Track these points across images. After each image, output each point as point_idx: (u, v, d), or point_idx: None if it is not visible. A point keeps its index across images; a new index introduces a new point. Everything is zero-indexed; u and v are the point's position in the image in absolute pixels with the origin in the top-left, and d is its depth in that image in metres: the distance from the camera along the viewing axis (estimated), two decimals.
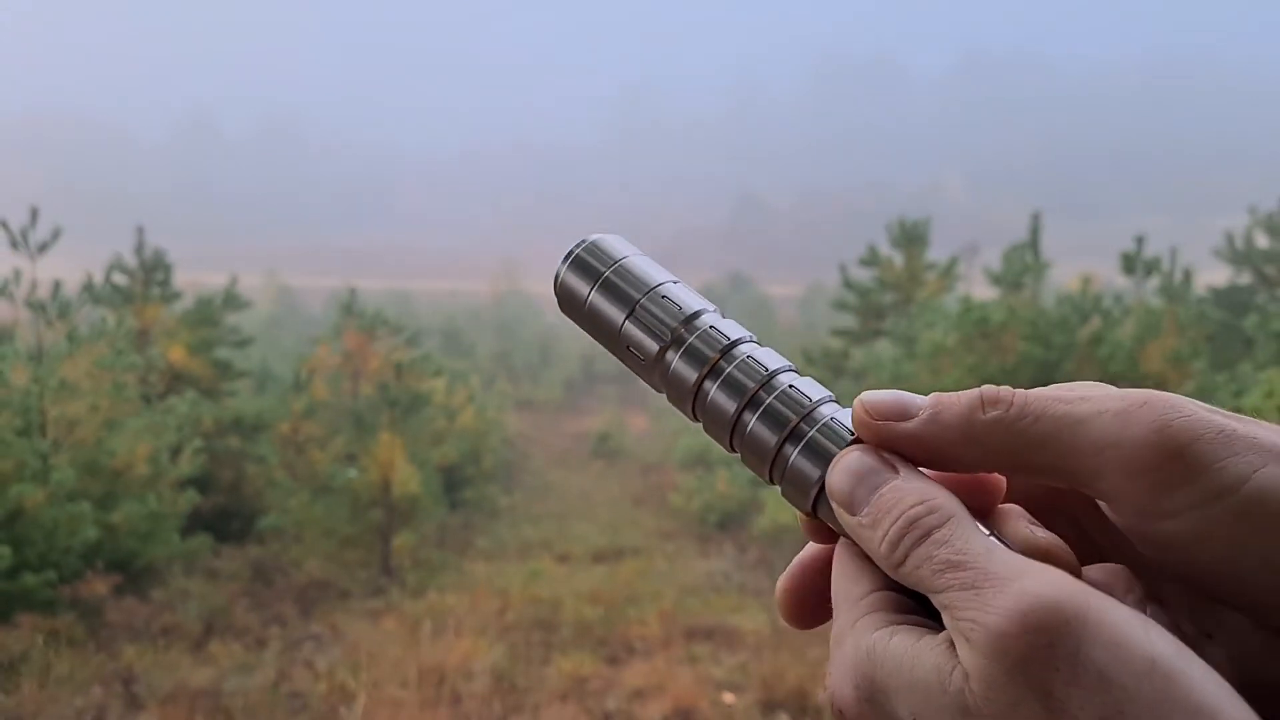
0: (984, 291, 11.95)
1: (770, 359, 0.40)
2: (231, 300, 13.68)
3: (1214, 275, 15.19)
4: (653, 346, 0.40)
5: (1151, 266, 10.77)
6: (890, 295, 14.19)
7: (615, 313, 0.41)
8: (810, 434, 0.39)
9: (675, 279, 0.42)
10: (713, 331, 0.40)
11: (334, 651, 9.01)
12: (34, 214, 10.84)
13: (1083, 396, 0.37)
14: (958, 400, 0.38)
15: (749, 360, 0.40)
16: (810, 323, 49.89)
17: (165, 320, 13.11)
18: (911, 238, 13.92)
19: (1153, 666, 0.31)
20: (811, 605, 0.42)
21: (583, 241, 0.43)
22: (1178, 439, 0.34)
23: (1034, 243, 11.11)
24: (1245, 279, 14.42)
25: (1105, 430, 0.35)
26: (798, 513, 0.42)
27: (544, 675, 8.31)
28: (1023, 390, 0.38)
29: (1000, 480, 0.40)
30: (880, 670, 0.35)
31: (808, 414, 0.39)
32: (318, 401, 13.22)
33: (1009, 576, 0.33)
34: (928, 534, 0.35)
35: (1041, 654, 0.31)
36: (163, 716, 7.24)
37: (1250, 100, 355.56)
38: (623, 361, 0.42)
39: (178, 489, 10.73)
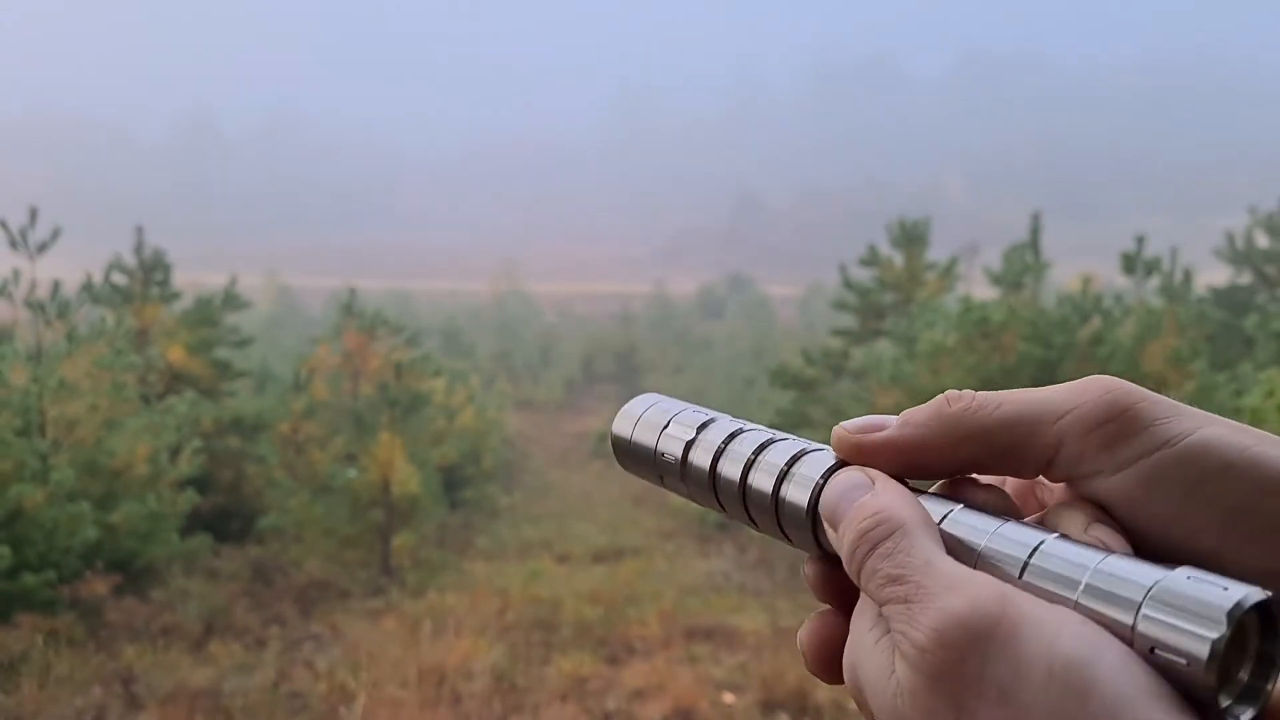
0: (984, 292, 11.97)
1: (766, 433, 0.45)
2: (231, 300, 13.68)
3: (1214, 275, 15.22)
4: (676, 454, 0.46)
5: (1152, 266, 10.78)
6: (890, 295, 14.20)
7: (649, 438, 0.47)
8: (797, 471, 0.42)
9: (696, 407, 0.48)
10: (720, 426, 0.45)
11: (334, 651, 9.00)
12: (33, 214, 10.82)
13: (1038, 387, 0.40)
14: (924, 406, 0.41)
15: (748, 437, 0.44)
16: (810, 323, 50.02)
17: (165, 320, 13.12)
18: (911, 238, 13.92)
19: (1049, 679, 0.32)
20: (833, 657, 0.43)
21: (626, 402, 0.51)
22: (1125, 399, 0.38)
23: (1034, 243, 11.13)
24: (1246, 279, 14.44)
25: (1062, 400, 0.38)
26: (805, 572, 0.45)
27: (544, 675, 8.31)
28: (982, 391, 0.41)
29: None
30: (856, 658, 0.39)
31: (796, 458, 0.43)
32: (317, 401, 13.21)
33: (936, 592, 0.34)
34: (874, 547, 0.37)
35: (954, 670, 0.33)
36: (162, 716, 7.21)
37: (1248, 101, 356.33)
38: (665, 485, 0.48)
39: (177, 489, 10.71)
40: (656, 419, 0.48)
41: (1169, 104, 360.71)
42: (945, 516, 0.39)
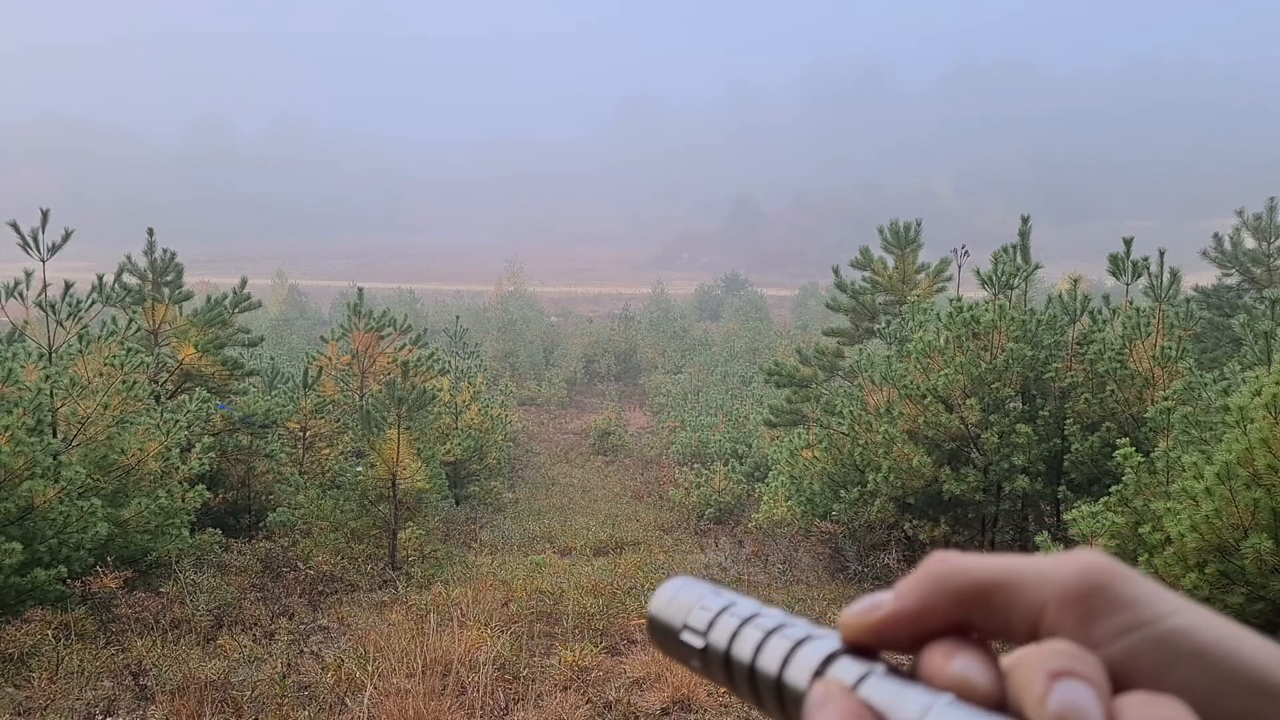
0: (975, 293, 12.04)
1: (779, 619, 0.46)
2: (241, 301, 13.73)
3: (1201, 276, 15.33)
4: (699, 640, 0.49)
5: (1139, 268, 10.86)
6: (882, 296, 14.37)
7: (676, 622, 0.50)
8: (799, 657, 0.43)
9: (717, 591, 0.51)
10: (736, 610, 0.48)
11: (341, 643, 9.08)
12: (45, 215, 10.84)
13: (1027, 555, 0.41)
14: (915, 572, 0.42)
15: (761, 621, 0.47)
16: (804, 323, 50.09)
17: (176, 320, 13.19)
18: (903, 241, 14.09)
19: None
20: None
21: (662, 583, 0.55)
22: (1103, 578, 0.37)
23: (1023, 245, 11.26)
24: (1233, 280, 14.55)
25: (1044, 570, 0.38)
26: None
27: (546, 665, 8.38)
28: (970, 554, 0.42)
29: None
30: None
31: (800, 643, 0.45)
32: (326, 399, 13.30)
33: None
34: None
35: None
36: (172, 709, 7.23)
37: (1232, 108, 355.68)
38: (692, 668, 0.50)
39: (188, 485, 10.83)
40: (685, 602, 0.49)
41: (1155, 111, 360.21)
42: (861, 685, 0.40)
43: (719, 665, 0.46)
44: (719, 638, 0.46)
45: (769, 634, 0.45)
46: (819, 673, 0.42)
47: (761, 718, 0.46)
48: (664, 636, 0.49)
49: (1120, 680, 0.36)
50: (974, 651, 0.39)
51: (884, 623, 0.41)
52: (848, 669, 0.41)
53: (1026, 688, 0.35)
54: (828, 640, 0.43)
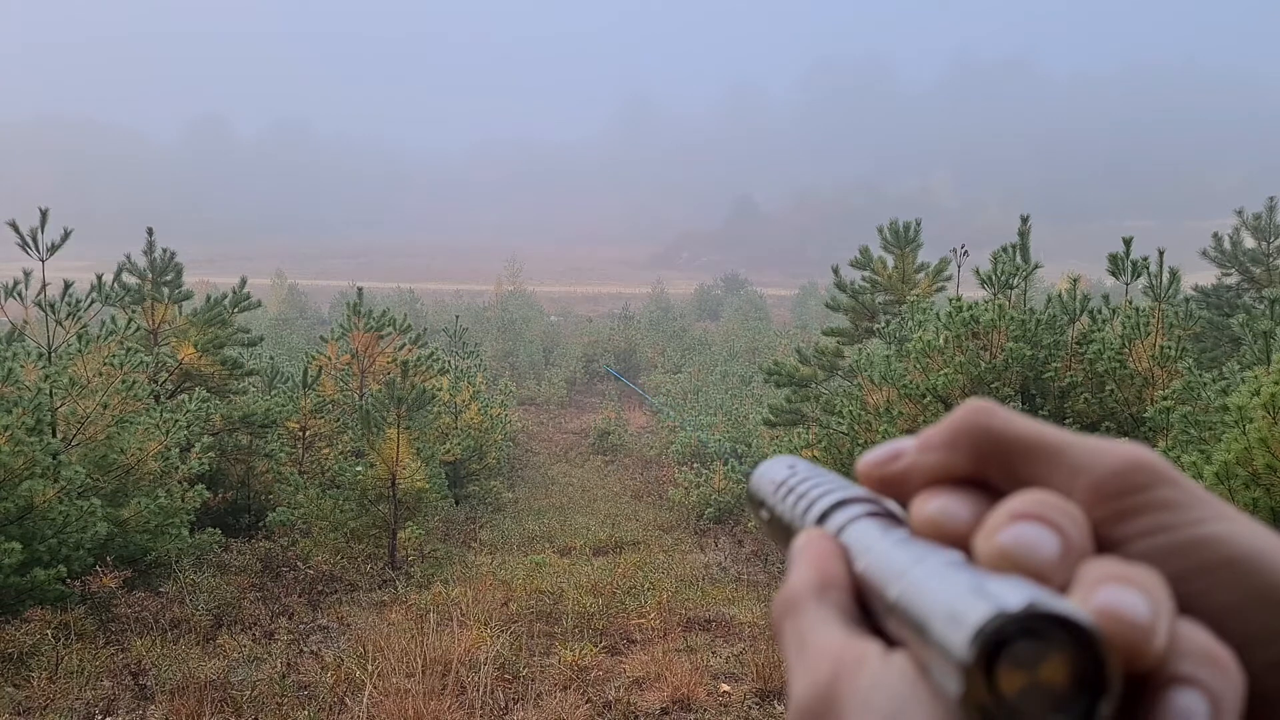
0: (974, 293, 12.05)
1: (836, 484, 0.45)
2: (241, 300, 13.74)
3: (1200, 276, 15.33)
4: (765, 513, 0.51)
5: (1139, 268, 10.86)
6: (882, 295, 14.39)
7: (757, 497, 0.52)
8: (814, 509, 0.44)
9: (792, 466, 0.50)
10: (790, 481, 0.48)
11: (341, 643, 9.12)
12: (44, 215, 10.85)
13: (1069, 431, 0.38)
14: (945, 420, 0.39)
15: (823, 484, 0.46)
16: (804, 322, 50.06)
17: (175, 320, 13.20)
18: (902, 240, 14.10)
19: None
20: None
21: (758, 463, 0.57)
22: (1145, 476, 0.35)
23: (1023, 245, 11.26)
24: (1233, 279, 14.54)
25: (1083, 453, 0.36)
26: None
27: (546, 665, 8.43)
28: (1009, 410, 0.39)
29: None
30: (803, 622, 0.39)
31: (826, 494, 0.45)
32: (326, 399, 13.31)
33: (796, 674, 0.36)
34: (782, 621, 0.38)
35: None
36: (171, 708, 7.27)
37: (1230, 108, 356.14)
38: (771, 535, 0.50)
39: (187, 485, 10.85)
40: (765, 478, 0.50)
41: (1154, 111, 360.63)
42: (850, 538, 0.40)
43: (777, 530, 0.48)
44: (777, 506, 0.47)
45: (802, 496, 0.46)
46: (821, 520, 0.42)
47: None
48: (753, 509, 0.52)
49: None
50: (960, 495, 0.37)
51: (900, 475, 0.40)
52: (843, 515, 0.41)
53: (987, 524, 0.33)
54: (842, 492, 0.43)
